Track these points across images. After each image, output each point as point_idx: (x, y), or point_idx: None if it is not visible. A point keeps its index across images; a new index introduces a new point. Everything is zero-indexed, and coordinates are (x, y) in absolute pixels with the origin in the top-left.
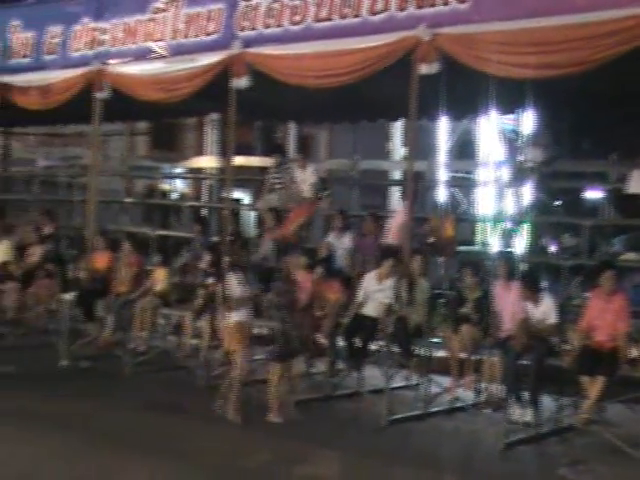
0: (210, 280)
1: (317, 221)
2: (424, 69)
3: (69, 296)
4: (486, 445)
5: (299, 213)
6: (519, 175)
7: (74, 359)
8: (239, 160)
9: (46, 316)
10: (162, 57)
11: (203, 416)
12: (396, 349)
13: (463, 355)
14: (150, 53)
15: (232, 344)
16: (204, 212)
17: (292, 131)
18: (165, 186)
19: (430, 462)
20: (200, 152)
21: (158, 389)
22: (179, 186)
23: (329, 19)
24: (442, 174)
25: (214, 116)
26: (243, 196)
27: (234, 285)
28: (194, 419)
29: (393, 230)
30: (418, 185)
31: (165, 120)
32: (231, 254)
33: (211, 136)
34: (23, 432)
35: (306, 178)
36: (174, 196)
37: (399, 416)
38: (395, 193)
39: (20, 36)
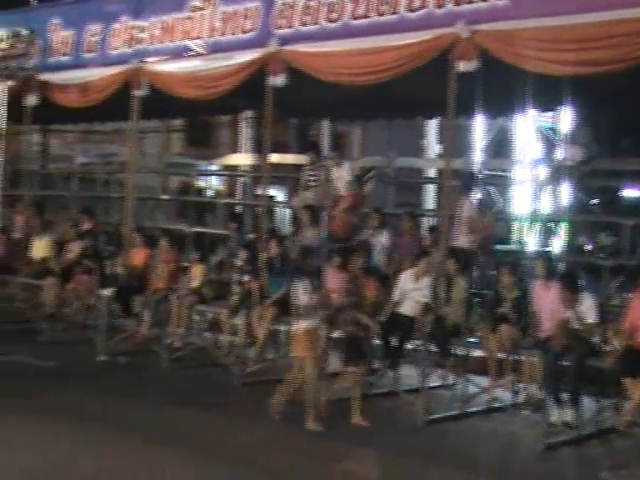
0: (246, 277)
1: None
2: (462, 66)
3: (107, 292)
4: (525, 446)
5: (343, 202)
6: (557, 173)
7: (112, 354)
8: (274, 157)
9: (84, 311)
10: (199, 55)
11: (239, 413)
12: (433, 348)
13: (501, 355)
14: (188, 51)
15: (299, 351)
16: (239, 209)
17: (326, 129)
18: (200, 183)
19: (468, 463)
20: (235, 149)
21: (194, 385)
22: (214, 183)
23: (366, 16)
24: (478, 172)
25: (249, 113)
26: (277, 193)
27: (300, 293)
28: (230, 416)
29: (462, 229)
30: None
31: (201, 117)
32: (293, 260)
33: (245, 133)
34: (62, 425)
35: (342, 176)
36: (209, 193)
37: (436, 416)
38: (430, 192)
39: (60, 34)
